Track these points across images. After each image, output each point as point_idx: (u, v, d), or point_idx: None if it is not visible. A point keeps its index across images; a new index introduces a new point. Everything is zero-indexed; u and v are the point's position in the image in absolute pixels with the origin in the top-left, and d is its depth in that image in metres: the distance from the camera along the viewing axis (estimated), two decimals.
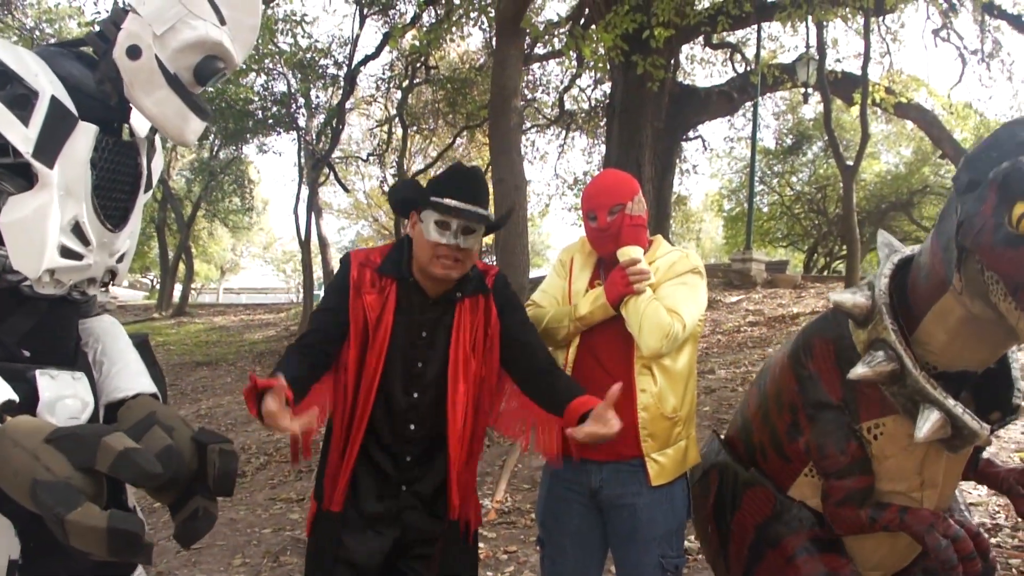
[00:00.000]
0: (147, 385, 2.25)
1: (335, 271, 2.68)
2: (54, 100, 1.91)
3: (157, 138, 2.45)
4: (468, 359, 2.54)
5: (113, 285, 2.34)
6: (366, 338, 2.50)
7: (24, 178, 1.91)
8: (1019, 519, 4.43)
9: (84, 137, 1.96)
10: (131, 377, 2.25)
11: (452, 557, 2.60)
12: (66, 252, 1.99)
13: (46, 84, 1.92)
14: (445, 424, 2.52)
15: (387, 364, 2.50)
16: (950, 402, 2.14)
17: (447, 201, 2.44)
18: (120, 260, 2.23)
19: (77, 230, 1.99)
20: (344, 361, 2.53)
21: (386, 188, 22.18)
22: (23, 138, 1.87)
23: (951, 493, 2.52)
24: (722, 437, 3.01)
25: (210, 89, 2.23)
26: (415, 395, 2.54)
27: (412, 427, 2.55)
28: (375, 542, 2.54)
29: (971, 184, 1.99)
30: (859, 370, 2.25)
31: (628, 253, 2.56)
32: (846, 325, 2.42)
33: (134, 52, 1.96)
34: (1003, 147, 1.96)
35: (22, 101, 1.89)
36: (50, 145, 1.91)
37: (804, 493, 2.57)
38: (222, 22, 2.00)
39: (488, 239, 20.67)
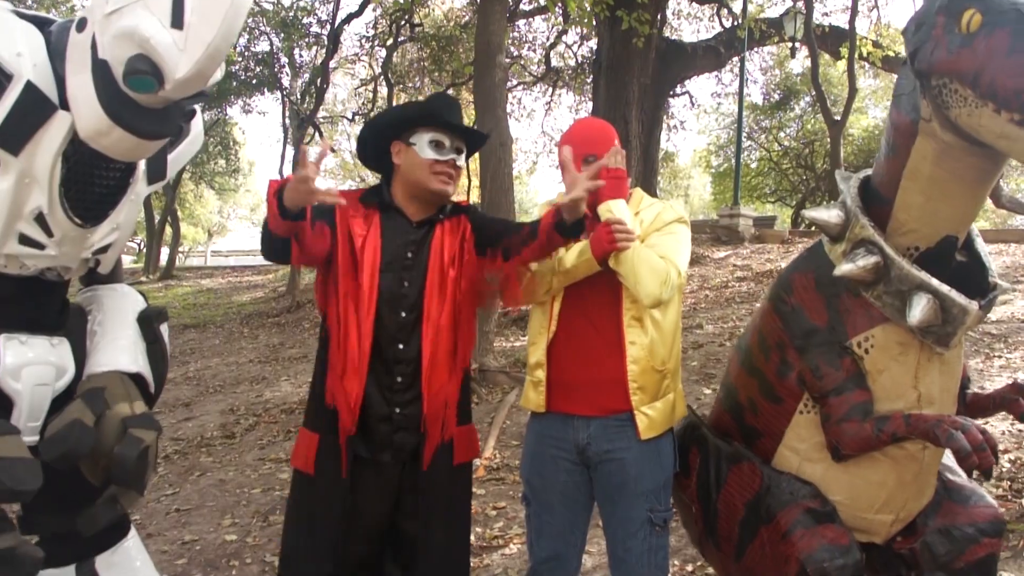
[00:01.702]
0: (126, 364, 2.20)
1: None
2: (29, 86, 1.83)
3: (196, 122, 2.32)
4: (445, 274, 2.62)
5: (98, 270, 2.30)
6: (354, 261, 2.54)
7: None
8: (1003, 469, 4.49)
9: (59, 128, 1.88)
10: (113, 353, 2.21)
11: (440, 482, 2.61)
12: (26, 240, 1.93)
13: (26, 67, 1.84)
14: None
15: (380, 287, 2.55)
16: (935, 281, 2.19)
17: (446, 120, 2.61)
18: (103, 251, 2.18)
19: (41, 220, 1.94)
20: (335, 288, 2.55)
21: None
22: None
23: (951, 412, 2.51)
24: (696, 414, 2.98)
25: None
26: (403, 314, 2.57)
27: (401, 347, 2.56)
28: (376, 488, 2.57)
29: (918, 25, 2.09)
30: (844, 267, 2.30)
31: (610, 209, 2.53)
32: (822, 254, 2.47)
33: (81, 24, 1.84)
34: None
35: None
36: (17, 131, 1.84)
37: (801, 435, 2.54)
38: (177, 26, 1.73)
39: (475, 197, 20.59)
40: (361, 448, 2.54)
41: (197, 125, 2.38)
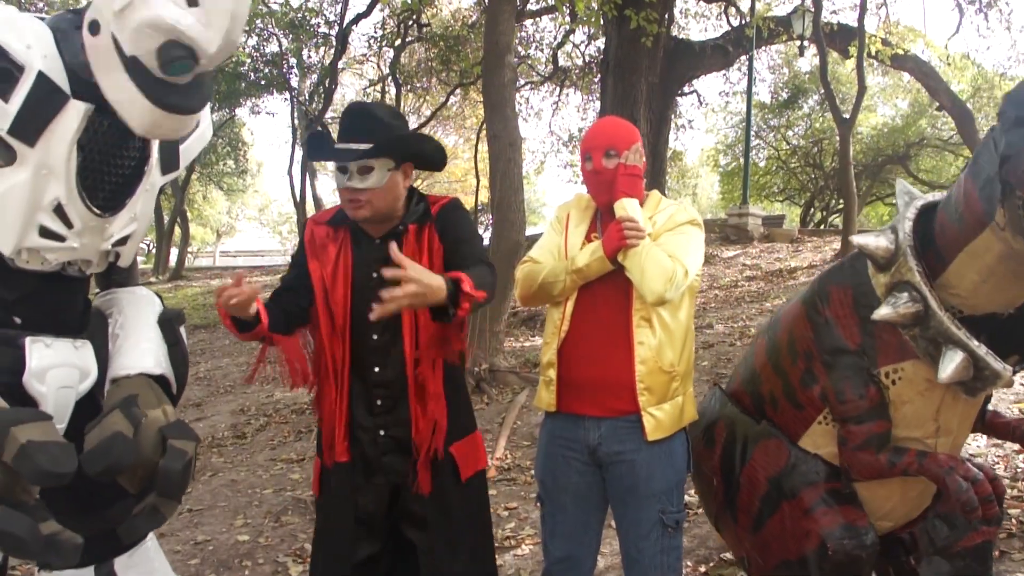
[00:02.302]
0: (150, 366, 2.20)
1: None
2: (41, 76, 1.83)
3: (205, 113, 2.30)
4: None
5: (119, 264, 2.30)
6: (326, 288, 2.53)
7: (9, 149, 1.85)
8: (1017, 470, 4.48)
9: (73, 117, 1.88)
10: (138, 356, 2.20)
11: (449, 506, 2.57)
12: (46, 233, 1.93)
13: (36, 58, 1.84)
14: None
15: (352, 309, 2.51)
16: (973, 343, 2.15)
17: (333, 147, 2.47)
18: (122, 243, 2.18)
19: (60, 211, 1.94)
20: (314, 320, 2.57)
21: None
22: (1, 113, 1.81)
23: (963, 441, 2.55)
24: (724, 389, 3.00)
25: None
26: (374, 336, 2.52)
27: (376, 369, 2.53)
28: (373, 493, 2.57)
29: (1018, 120, 1.95)
30: (883, 311, 2.27)
31: (624, 207, 2.54)
32: (864, 272, 2.42)
33: (94, 28, 1.83)
34: None
35: (4, 75, 1.81)
36: (32, 123, 1.84)
37: (816, 442, 2.58)
38: (193, 3, 1.76)
39: (484, 198, 20.54)
40: (358, 470, 2.56)
41: (205, 120, 2.37)
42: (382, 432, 2.54)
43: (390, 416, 2.54)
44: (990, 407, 2.64)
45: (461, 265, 2.39)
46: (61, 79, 1.87)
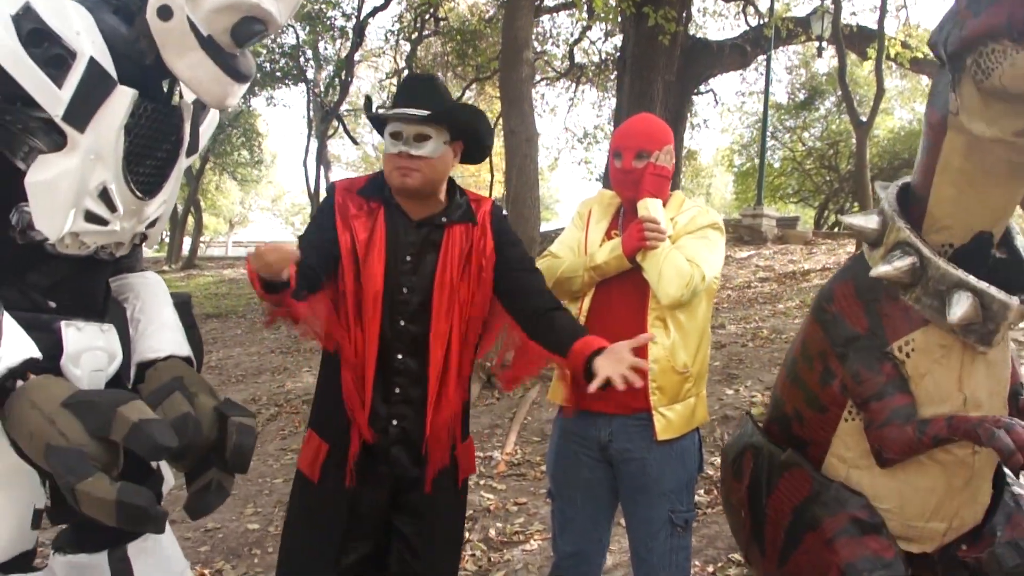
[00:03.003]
0: (180, 347, 2.23)
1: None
2: (92, 62, 1.85)
3: None
4: (456, 288, 2.45)
5: (144, 246, 2.32)
6: (357, 260, 2.42)
7: (60, 135, 1.86)
8: None
9: (121, 102, 1.90)
10: (165, 338, 2.23)
11: (442, 507, 2.54)
12: (91, 217, 1.96)
13: (86, 44, 1.85)
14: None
15: (383, 294, 2.41)
16: (972, 279, 2.18)
17: (392, 111, 2.45)
18: (152, 225, 2.21)
19: (105, 196, 1.96)
20: (342, 290, 2.43)
21: None
22: (54, 100, 1.82)
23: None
24: (754, 418, 2.98)
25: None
26: (401, 323, 2.44)
27: (399, 356, 2.45)
28: (375, 484, 2.48)
29: (942, 24, 2.07)
30: (881, 268, 2.31)
31: (647, 207, 2.54)
32: (861, 265, 2.45)
33: (165, 13, 1.88)
34: None
35: (58, 61, 1.82)
36: (83, 109, 1.85)
37: (847, 443, 2.51)
38: None
39: (497, 192, 20.54)
40: (363, 459, 2.45)
41: None
42: (395, 422, 2.46)
43: (405, 406, 2.46)
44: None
45: (523, 274, 2.54)
46: (108, 64, 1.89)
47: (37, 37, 1.79)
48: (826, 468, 2.59)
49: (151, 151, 2.05)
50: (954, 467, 2.39)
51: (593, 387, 2.21)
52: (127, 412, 1.74)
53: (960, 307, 2.18)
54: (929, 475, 2.42)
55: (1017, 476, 2.32)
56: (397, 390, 2.46)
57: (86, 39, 1.86)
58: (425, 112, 2.40)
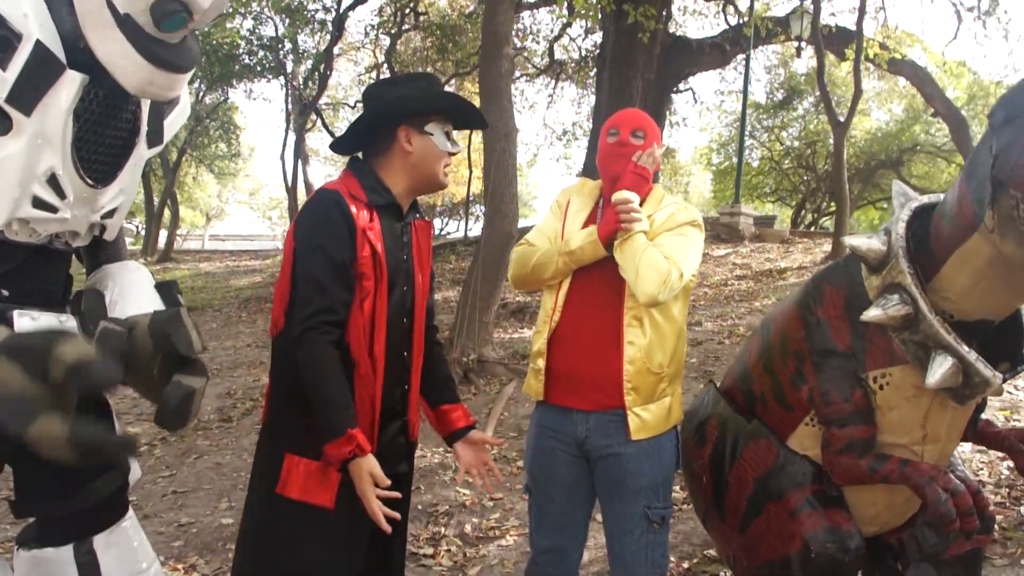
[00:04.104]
0: (146, 308, 2.19)
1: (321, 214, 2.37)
2: (39, 45, 1.83)
3: (184, 93, 2.32)
4: (425, 278, 2.56)
5: (104, 237, 2.29)
6: (376, 270, 2.33)
7: (5, 120, 1.84)
8: (1001, 476, 4.48)
9: (69, 86, 1.88)
10: (134, 302, 2.20)
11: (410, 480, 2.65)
12: (39, 203, 1.92)
13: (34, 27, 1.83)
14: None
15: (389, 296, 2.38)
16: (963, 348, 2.12)
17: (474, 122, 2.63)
18: (109, 216, 2.17)
19: (53, 182, 1.93)
20: (361, 302, 2.32)
21: None
22: None
23: (952, 449, 2.52)
24: (718, 387, 2.99)
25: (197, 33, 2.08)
26: (404, 321, 2.46)
27: (405, 353, 2.47)
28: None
29: (1007, 120, 1.94)
30: (872, 312, 2.25)
31: (622, 194, 2.51)
32: (858, 273, 2.39)
33: None
34: None
35: (2, 43, 1.80)
36: (29, 92, 1.83)
37: (804, 444, 2.56)
38: None
39: (476, 189, 20.48)
40: (387, 466, 2.31)
41: (185, 95, 2.37)
42: (405, 419, 2.52)
43: (407, 400, 2.51)
44: (984, 416, 2.61)
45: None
46: (57, 48, 1.86)
47: None
48: None
49: (103, 138, 2.02)
50: (899, 487, 2.43)
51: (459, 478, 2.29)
52: (63, 353, 1.70)
53: (941, 371, 2.14)
54: (874, 491, 2.50)
55: (945, 536, 2.37)
56: (406, 387, 2.50)
57: (34, 22, 1.83)
58: (485, 124, 2.67)
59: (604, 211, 2.59)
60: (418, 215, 2.58)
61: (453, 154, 2.51)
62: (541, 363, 2.64)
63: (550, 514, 2.71)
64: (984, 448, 4.59)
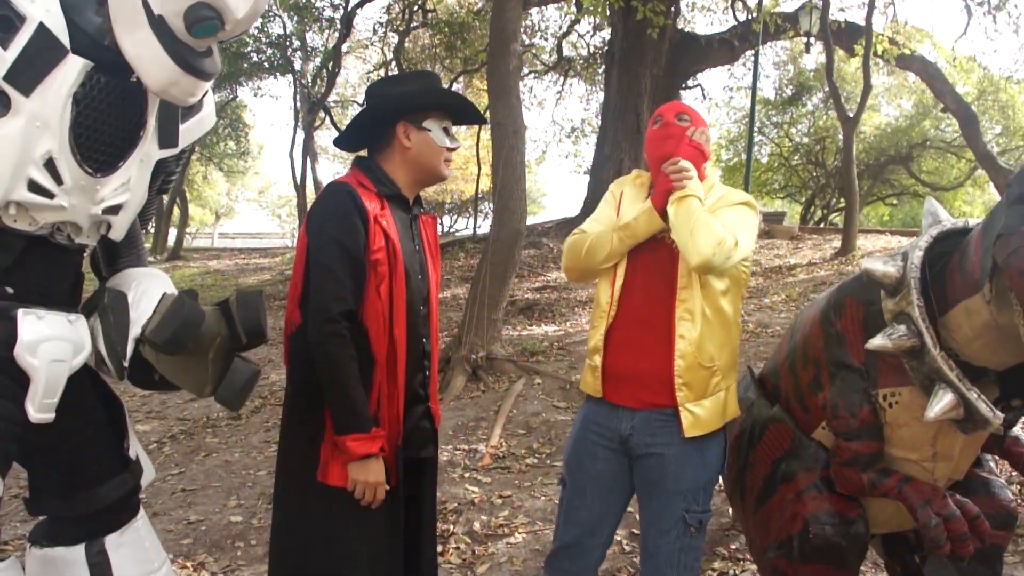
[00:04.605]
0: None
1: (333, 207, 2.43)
2: (41, 27, 1.84)
3: (208, 97, 2.35)
4: (436, 266, 2.69)
5: (111, 236, 2.28)
6: (394, 258, 2.42)
7: (4, 105, 1.85)
8: (1012, 472, 4.45)
9: (70, 70, 1.89)
10: (154, 298, 2.25)
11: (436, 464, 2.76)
12: (35, 187, 1.92)
13: (39, 11, 1.84)
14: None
15: (405, 283, 2.47)
16: (965, 386, 2.13)
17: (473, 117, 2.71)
18: (114, 212, 2.16)
19: (50, 166, 1.93)
20: (379, 291, 2.39)
21: None
22: None
23: (966, 467, 2.53)
24: (755, 373, 3.04)
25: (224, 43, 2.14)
26: (421, 308, 2.56)
27: (424, 341, 2.57)
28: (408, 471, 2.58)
29: (1020, 198, 1.98)
30: (877, 341, 2.26)
31: (676, 161, 2.48)
32: (878, 292, 2.40)
33: None
34: None
35: (5, 24, 1.82)
36: (28, 72, 1.84)
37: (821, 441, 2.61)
38: None
39: (484, 186, 20.53)
40: (413, 450, 2.56)
41: (209, 104, 2.38)
42: (429, 404, 2.62)
43: (429, 386, 2.62)
44: (1014, 432, 2.58)
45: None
46: (62, 33, 1.88)
47: None
48: None
49: (104, 126, 2.02)
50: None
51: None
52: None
53: (941, 405, 2.15)
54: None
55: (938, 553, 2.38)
56: (427, 373, 2.60)
57: (40, 6, 1.85)
58: (484, 120, 2.72)
59: (656, 184, 2.55)
60: (422, 210, 2.67)
61: (452, 149, 2.59)
62: (598, 359, 2.61)
63: (578, 509, 2.67)
64: None
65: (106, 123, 2.02)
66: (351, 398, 2.30)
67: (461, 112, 2.66)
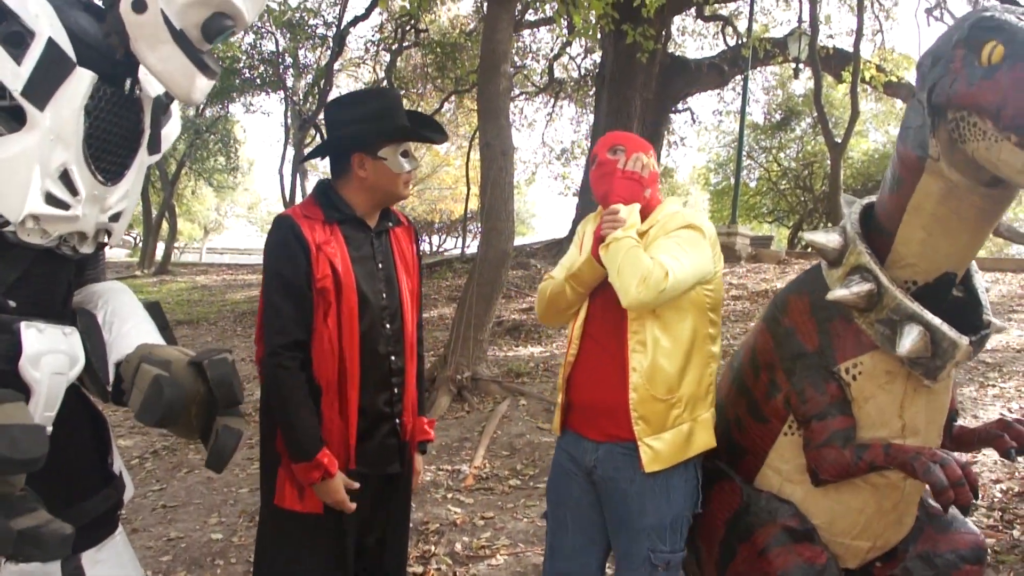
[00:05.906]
0: (146, 338, 2.23)
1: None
2: (51, 42, 1.88)
3: (175, 105, 2.42)
4: (412, 282, 2.71)
5: (109, 245, 2.30)
6: (337, 282, 2.46)
7: (18, 122, 1.88)
8: (994, 499, 4.48)
9: (80, 83, 1.93)
10: (143, 331, 2.25)
11: (406, 483, 2.75)
12: (52, 199, 1.95)
13: (44, 26, 1.88)
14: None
15: (360, 305, 2.50)
16: (928, 314, 2.19)
17: (425, 133, 2.69)
18: (115, 219, 2.19)
19: (65, 178, 1.96)
20: (325, 317, 2.46)
21: None
22: (13, 75, 1.84)
23: (935, 444, 2.51)
24: None
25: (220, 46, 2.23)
26: (387, 326, 2.57)
27: (393, 359, 2.58)
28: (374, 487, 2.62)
29: (934, 61, 2.07)
30: (838, 292, 2.32)
31: (610, 207, 2.46)
32: (819, 279, 2.47)
33: (139, 6, 1.95)
34: (958, 26, 2.05)
35: (16, 39, 1.85)
36: (42, 86, 1.88)
37: (784, 455, 2.55)
38: None
39: (474, 205, 20.56)
40: (373, 468, 2.58)
41: (176, 109, 2.46)
42: (397, 420, 2.62)
43: (401, 404, 2.63)
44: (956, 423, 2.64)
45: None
46: (67, 47, 1.92)
47: None
48: (760, 479, 2.63)
49: (112, 135, 2.07)
50: (886, 490, 2.45)
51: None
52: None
53: (910, 339, 2.20)
54: (860, 495, 2.48)
55: (946, 511, 2.34)
56: (396, 390, 2.60)
57: (44, 22, 1.88)
58: (436, 136, 2.73)
59: (595, 231, 2.56)
60: (392, 224, 2.70)
61: (411, 171, 2.61)
62: (561, 397, 2.65)
63: (562, 540, 2.66)
64: (977, 473, 4.60)
65: (113, 132, 2.07)
66: (295, 428, 2.40)
67: (421, 129, 2.67)
